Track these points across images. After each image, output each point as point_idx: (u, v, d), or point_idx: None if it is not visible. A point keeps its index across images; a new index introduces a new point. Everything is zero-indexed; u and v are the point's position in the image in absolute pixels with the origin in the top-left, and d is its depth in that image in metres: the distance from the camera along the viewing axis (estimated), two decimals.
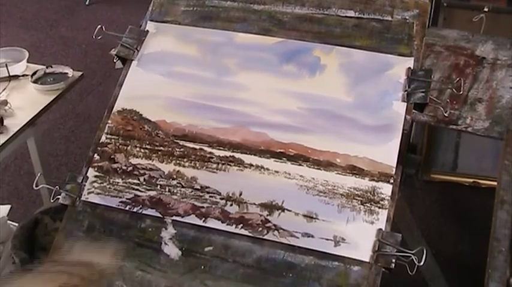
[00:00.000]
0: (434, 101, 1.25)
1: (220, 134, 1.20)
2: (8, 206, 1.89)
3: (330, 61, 1.25)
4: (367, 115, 1.18)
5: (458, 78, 1.29)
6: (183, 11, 1.37)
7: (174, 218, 1.14)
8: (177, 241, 1.12)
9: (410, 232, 1.71)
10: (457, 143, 2.55)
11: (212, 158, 1.18)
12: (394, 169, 1.12)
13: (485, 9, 2.04)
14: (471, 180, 2.56)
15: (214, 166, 1.18)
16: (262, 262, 1.08)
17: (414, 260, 1.01)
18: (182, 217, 1.13)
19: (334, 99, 1.21)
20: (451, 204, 2.56)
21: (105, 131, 1.25)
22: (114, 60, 1.33)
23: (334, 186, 1.12)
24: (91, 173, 1.21)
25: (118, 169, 1.20)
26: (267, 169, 1.16)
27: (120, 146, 1.23)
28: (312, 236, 1.08)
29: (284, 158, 1.16)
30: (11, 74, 2.10)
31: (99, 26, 1.29)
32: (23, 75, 2.13)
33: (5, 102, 1.94)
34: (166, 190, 1.17)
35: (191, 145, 1.21)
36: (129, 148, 1.22)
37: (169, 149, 1.21)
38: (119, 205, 1.16)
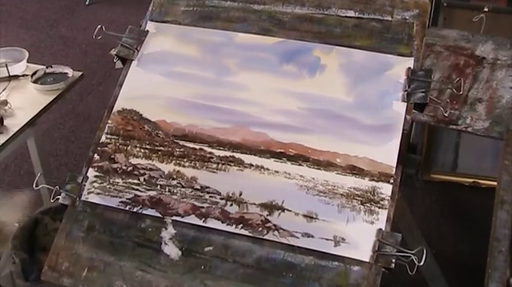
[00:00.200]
0: (434, 101, 1.25)
1: (220, 134, 1.20)
2: None
3: (330, 61, 1.25)
4: (367, 115, 1.18)
5: (458, 78, 1.29)
6: (183, 11, 1.37)
7: (174, 218, 1.14)
8: (177, 241, 1.12)
9: (410, 232, 1.71)
10: (457, 143, 2.55)
11: (212, 158, 1.18)
12: (394, 169, 1.12)
13: (485, 9, 2.04)
14: (471, 180, 2.57)
15: (214, 166, 1.18)
16: (262, 262, 1.08)
17: (414, 260, 1.01)
18: (182, 217, 1.13)
19: (334, 99, 1.21)
20: (451, 204, 2.56)
21: (105, 131, 1.25)
22: (114, 60, 1.33)
23: (334, 186, 1.12)
24: (91, 173, 1.21)
25: (118, 169, 1.20)
26: (267, 169, 1.16)
27: (120, 146, 1.23)
28: (312, 236, 1.08)
29: (284, 158, 1.16)
30: (11, 74, 2.10)
31: (99, 26, 1.29)
32: (23, 75, 2.13)
33: (5, 102, 1.94)
34: (166, 190, 1.17)
35: (191, 144, 1.21)
36: (129, 147, 1.22)
37: (169, 149, 1.21)
38: (119, 205, 1.16)
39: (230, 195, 1.14)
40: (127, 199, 1.17)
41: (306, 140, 1.17)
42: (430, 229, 2.35)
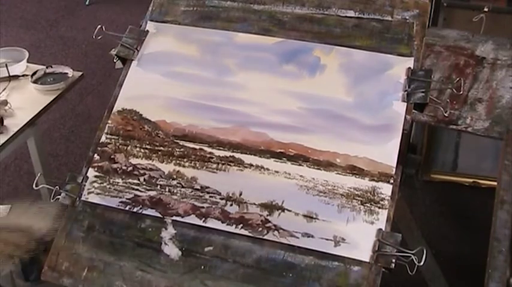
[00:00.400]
0: (434, 101, 1.25)
1: (220, 134, 1.20)
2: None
3: (330, 61, 1.25)
4: (367, 115, 1.18)
5: (458, 78, 1.29)
6: (183, 11, 1.37)
7: (174, 218, 1.14)
8: (177, 241, 1.12)
9: (410, 232, 1.71)
10: (457, 143, 2.55)
11: (212, 158, 1.18)
12: (394, 169, 1.12)
13: (485, 9, 2.04)
14: (471, 180, 2.56)
15: (214, 166, 1.18)
16: (262, 262, 1.08)
17: (414, 260, 1.01)
18: (182, 217, 1.13)
19: (334, 99, 1.21)
20: (451, 204, 2.56)
21: (105, 131, 1.25)
22: (114, 60, 1.33)
23: (334, 186, 1.12)
24: (91, 173, 1.21)
25: (118, 169, 1.20)
26: (267, 169, 1.16)
27: (120, 146, 1.23)
28: (312, 236, 1.08)
29: (284, 158, 1.16)
30: (11, 74, 2.10)
31: (99, 26, 1.29)
32: (23, 75, 2.13)
33: (5, 102, 1.94)
34: (166, 190, 1.17)
35: (191, 145, 1.21)
36: (129, 148, 1.22)
37: (169, 149, 1.21)
38: (118, 205, 1.16)
39: (230, 195, 1.14)
40: (127, 199, 1.17)
41: (306, 140, 1.17)
42: (430, 229, 2.35)
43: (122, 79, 1.30)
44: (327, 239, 1.07)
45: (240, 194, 1.14)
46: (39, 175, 1.24)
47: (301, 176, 1.14)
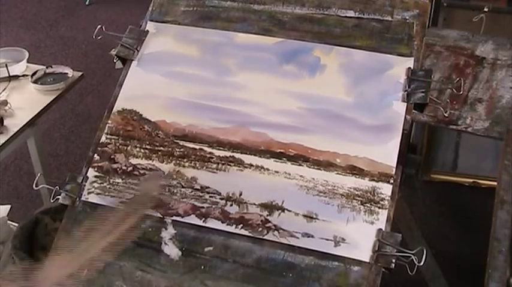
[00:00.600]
0: (434, 101, 1.25)
1: (220, 134, 1.20)
2: (8, 206, 1.89)
3: (330, 61, 1.25)
4: (367, 115, 1.18)
5: (458, 78, 1.29)
6: (183, 11, 1.37)
7: (174, 218, 1.14)
8: (177, 241, 1.12)
9: (410, 232, 1.71)
10: (457, 143, 2.55)
11: (212, 158, 1.18)
12: (394, 169, 1.12)
13: (485, 9, 2.03)
14: (471, 180, 2.56)
15: (214, 166, 1.18)
16: (262, 262, 1.08)
17: (414, 260, 1.01)
18: (182, 217, 1.13)
19: (334, 99, 1.21)
20: (451, 204, 2.56)
21: (105, 131, 1.25)
22: (114, 60, 1.33)
23: (334, 186, 1.12)
24: (91, 173, 1.20)
25: (118, 169, 1.20)
26: (267, 169, 1.16)
27: (120, 146, 1.23)
28: (312, 236, 1.08)
29: (284, 158, 1.16)
30: (11, 74, 2.10)
31: (99, 26, 1.29)
32: (23, 75, 2.13)
33: (5, 102, 1.94)
34: (166, 190, 1.17)
35: (191, 145, 1.21)
36: (129, 148, 1.22)
37: (169, 149, 1.21)
38: (119, 205, 1.16)
39: (230, 195, 1.14)
40: (127, 199, 1.17)
41: (306, 140, 1.17)
42: (430, 229, 2.35)
43: (122, 79, 1.29)
44: (327, 239, 1.07)
45: (240, 194, 1.14)
46: (39, 175, 1.24)
47: (301, 176, 1.14)
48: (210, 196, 1.15)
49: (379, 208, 1.09)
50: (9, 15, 4.09)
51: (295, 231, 1.09)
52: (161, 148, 1.21)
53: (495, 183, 1.40)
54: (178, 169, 1.18)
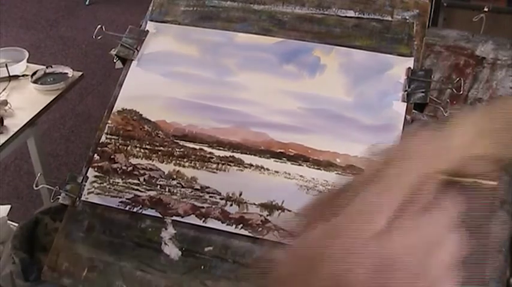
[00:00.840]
0: (434, 101, 1.25)
1: (220, 134, 1.20)
2: (8, 206, 1.90)
3: (330, 61, 1.25)
4: (367, 115, 1.18)
5: (458, 78, 1.29)
6: (183, 11, 1.37)
7: (174, 218, 1.14)
8: (177, 241, 1.12)
9: None
10: None
11: (212, 158, 1.18)
12: None
13: (485, 9, 2.04)
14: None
15: (214, 166, 1.18)
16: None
17: None
18: (182, 217, 1.13)
19: (334, 99, 1.21)
20: None
21: (105, 131, 1.25)
22: (114, 60, 1.33)
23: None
24: (91, 173, 1.21)
25: (118, 169, 1.20)
26: (267, 169, 1.16)
27: (120, 146, 1.23)
28: None
29: (284, 158, 1.16)
30: (11, 74, 2.10)
31: (99, 26, 1.29)
32: (23, 75, 2.14)
33: (5, 102, 1.94)
34: (166, 190, 1.17)
35: (191, 145, 1.21)
36: (129, 148, 1.22)
37: (169, 149, 1.21)
38: (118, 205, 1.16)
39: (230, 195, 1.14)
40: (127, 199, 1.17)
41: (306, 140, 1.17)
42: None
43: (122, 79, 1.30)
44: None
45: (240, 194, 1.14)
46: (39, 175, 1.24)
47: (301, 176, 1.14)
48: (210, 196, 1.15)
49: None
50: (9, 15, 4.09)
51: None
52: (161, 148, 1.21)
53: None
54: (178, 169, 1.18)
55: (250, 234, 1.10)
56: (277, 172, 1.15)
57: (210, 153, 1.19)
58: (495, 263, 1.20)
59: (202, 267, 1.09)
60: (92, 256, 1.13)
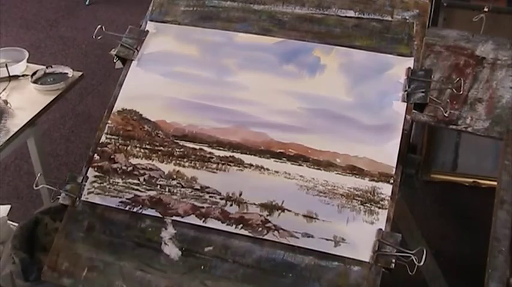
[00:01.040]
0: (434, 101, 1.25)
1: (220, 134, 1.20)
2: (8, 206, 1.89)
3: (330, 61, 1.25)
4: (367, 115, 1.18)
5: (458, 78, 1.29)
6: (183, 11, 1.37)
7: (174, 218, 1.14)
8: (177, 241, 1.12)
9: (410, 232, 1.71)
10: (457, 143, 2.55)
11: (212, 158, 1.18)
12: (394, 169, 1.12)
13: (485, 9, 2.03)
14: (471, 180, 2.56)
15: (214, 166, 1.18)
16: (262, 262, 1.08)
17: (414, 260, 1.01)
18: (182, 217, 1.13)
19: (334, 99, 1.21)
20: (451, 204, 2.56)
21: (105, 131, 1.25)
22: (114, 60, 1.33)
23: (334, 186, 1.12)
24: (91, 173, 1.21)
25: (118, 169, 1.20)
26: (267, 169, 1.16)
27: (120, 146, 1.23)
28: (312, 236, 1.08)
29: (284, 158, 1.16)
30: (11, 74, 2.10)
31: (99, 26, 1.29)
32: (23, 75, 2.13)
33: (5, 103, 1.94)
34: (166, 190, 1.17)
35: (191, 145, 1.21)
36: (129, 148, 1.22)
37: (169, 149, 1.21)
38: (118, 205, 1.16)
39: (230, 195, 1.14)
40: (127, 199, 1.17)
41: (306, 140, 1.17)
42: (430, 229, 2.35)
43: (122, 79, 1.30)
44: (327, 239, 1.08)
45: (240, 194, 1.14)
46: (39, 175, 1.24)
47: (301, 176, 1.14)
48: (210, 196, 1.15)
49: (379, 208, 1.09)
50: (9, 15, 4.09)
51: (295, 231, 1.09)
52: (161, 148, 1.21)
53: (495, 183, 1.40)
54: (178, 169, 1.18)
55: (250, 234, 1.10)
56: (277, 172, 1.15)
57: (210, 153, 1.19)
58: (495, 263, 1.20)
59: (202, 267, 1.09)
60: (92, 256, 1.13)
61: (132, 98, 1.27)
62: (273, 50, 1.28)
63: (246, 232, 1.10)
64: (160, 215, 1.14)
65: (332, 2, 1.31)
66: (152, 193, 1.17)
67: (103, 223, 1.16)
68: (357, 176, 1.12)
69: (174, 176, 1.18)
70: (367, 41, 1.26)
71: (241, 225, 1.11)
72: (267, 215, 1.11)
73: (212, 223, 1.12)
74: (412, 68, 1.21)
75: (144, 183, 1.18)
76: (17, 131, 1.87)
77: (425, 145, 2.54)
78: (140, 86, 1.28)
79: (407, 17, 1.26)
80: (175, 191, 1.16)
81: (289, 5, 1.32)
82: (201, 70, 1.28)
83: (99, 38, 1.28)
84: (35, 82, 2.09)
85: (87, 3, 4.26)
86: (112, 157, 1.22)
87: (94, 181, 1.20)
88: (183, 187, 1.16)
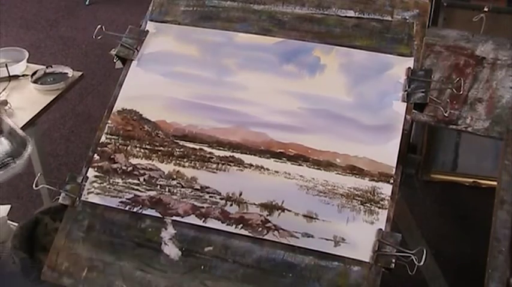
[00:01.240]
0: (434, 101, 1.25)
1: (220, 134, 1.20)
2: (8, 206, 1.89)
3: (330, 61, 1.25)
4: (367, 115, 1.18)
5: (458, 78, 1.29)
6: (183, 11, 1.37)
7: (174, 218, 1.14)
8: (177, 241, 1.12)
9: (410, 232, 1.71)
10: (457, 143, 2.55)
11: (212, 158, 1.18)
12: (394, 169, 1.12)
13: (485, 9, 2.04)
14: (471, 180, 2.57)
15: (214, 166, 1.18)
16: (262, 262, 1.08)
17: (414, 260, 1.01)
18: (182, 217, 1.13)
19: (334, 99, 1.21)
20: (451, 204, 2.56)
21: (105, 131, 1.25)
22: (114, 60, 1.33)
23: (334, 186, 1.12)
24: (91, 173, 1.21)
25: (118, 169, 1.20)
26: (267, 169, 1.16)
27: (120, 146, 1.23)
28: (312, 236, 1.08)
29: (284, 158, 1.16)
30: (11, 74, 2.10)
31: (99, 26, 1.29)
32: (23, 75, 2.14)
33: (5, 102, 1.94)
34: (166, 190, 1.17)
35: (191, 145, 1.21)
36: (129, 148, 1.22)
37: (169, 149, 1.21)
38: (118, 205, 1.16)
39: (230, 195, 1.14)
40: (127, 199, 1.17)
41: (305, 140, 1.17)
42: (430, 229, 2.35)
43: (122, 79, 1.30)
44: (327, 239, 1.07)
45: (240, 194, 1.14)
46: (39, 175, 1.24)
47: (301, 176, 1.14)
48: (210, 196, 1.15)
49: (379, 208, 1.09)
50: (9, 15, 4.09)
51: (295, 231, 1.09)
52: (161, 148, 1.21)
53: (495, 183, 1.40)
54: (178, 169, 1.18)
55: (250, 234, 1.10)
56: (277, 172, 1.15)
57: (210, 153, 1.19)
58: (495, 263, 1.20)
59: (202, 267, 1.09)
60: (91, 256, 1.13)
61: (132, 98, 1.27)
62: (273, 50, 1.28)
63: (246, 232, 1.10)
64: (160, 215, 1.14)
65: (332, 2, 1.31)
66: (152, 193, 1.17)
67: (103, 223, 1.16)
68: (357, 176, 1.12)
69: (174, 176, 1.18)
70: (367, 41, 1.26)
71: (241, 225, 1.11)
72: (267, 215, 1.11)
73: (212, 223, 1.12)
74: (412, 68, 1.21)
75: (144, 183, 1.18)
76: None
77: (425, 144, 2.54)
78: (140, 86, 1.28)
79: (407, 17, 1.26)
80: (175, 191, 1.16)
81: (289, 5, 1.32)
82: (201, 70, 1.28)
83: (99, 38, 1.28)
84: (35, 82, 2.09)
85: (87, 3, 4.26)
86: (112, 157, 1.22)
87: (94, 181, 1.20)
88: (183, 187, 1.16)
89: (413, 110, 1.20)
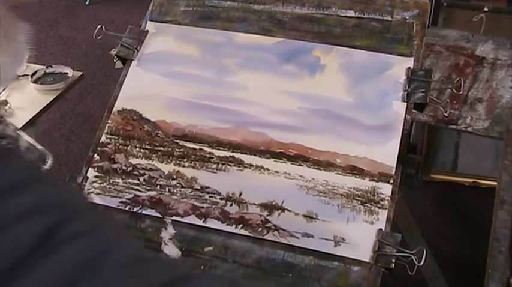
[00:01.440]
0: (434, 101, 1.25)
1: (220, 134, 1.20)
2: None
3: (330, 61, 1.25)
4: (367, 115, 1.18)
5: (458, 78, 1.29)
6: (183, 11, 1.37)
7: (174, 218, 1.14)
8: (177, 241, 1.12)
9: (410, 232, 1.71)
10: (457, 143, 2.55)
11: (212, 158, 1.18)
12: (394, 169, 1.12)
13: (485, 9, 2.04)
14: (471, 180, 2.56)
15: (214, 166, 1.18)
16: (262, 262, 1.08)
17: (414, 260, 1.01)
18: (182, 217, 1.13)
19: (334, 99, 1.21)
20: (451, 204, 2.56)
21: (105, 131, 1.25)
22: (114, 60, 1.33)
23: (334, 186, 1.12)
24: (91, 173, 1.20)
25: (118, 169, 1.20)
26: (267, 169, 1.16)
27: (120, 146, 1.23)
28: (312, 236, 1.08)
29: (284, 158, 1.16)
30: None
31: (99, 26, 1.29)
32: (23, 75, 2.13)
33: (5, 102, 1.94)
34: (166, 190, 1.17)
35: (191, 145, 1.21)
36: (129, 148, 1.22)
37: (169, 149, 1.21)
38: (118, 205, 1.16)
39: (230, 195, 1.14)
40: (127, 199, 1.17)
41: (305, 140, 1.17)
42: (430, 229, 2.35)
43: (122, 79, 1.29)
44: (327, 239, 1.07)
45: (240, 194, 1.14)
46: None
47: (301, 176, 1.14)
48: (210, 196, 1.15)
49: (379, 208, 1.09)
50: None
51: (295, 231, 1.09)
52: (161, 148, 1.21)
53: (495, 183, 1.40)
54: (178, 169, 1.18)
55: (250, 234, 1.10)
56: (277, 172, 1.15)
57: (210, 153, 1.19)
58: (495, 263, 1.20)
59: (202, 267, 1.09)
60: None
61: (132, 98, 1.27)
62: (273, 50, 1.28)
63: (246, 232, 1.10)
64: (160, 215, 1.14)
65: (332, 1, 1.31)
66: (152, 193, 1.17)
67: None
68: (357, 176, 1.12)
69: (174, 176, 1.18)
70: (367, 41, 1.26)
71: (241, 225, 1.11)
72: (267, 215, 1.11)
73: (212, 223, 1.12)
74: (412, 68, 1.21)
75: (144, 183, 1.18)
76: None
77: (425, 144, 2.54)
78: (140, 86, 1.28)
79: (407, 17, 1.26)
80: (175, 191, 1.16)
81: (289, 5, 1.32)
82: (201, 70, 1.28)
83: (99, 38, 1.28)
84: (35, 82, 2.09)
85: (87, 3, 4.26)
86: (112, 157, 1.22)
87: (94, 181, 1.20)
88: (183, 187, 1.16)
89: (413, 110, 1.20)
